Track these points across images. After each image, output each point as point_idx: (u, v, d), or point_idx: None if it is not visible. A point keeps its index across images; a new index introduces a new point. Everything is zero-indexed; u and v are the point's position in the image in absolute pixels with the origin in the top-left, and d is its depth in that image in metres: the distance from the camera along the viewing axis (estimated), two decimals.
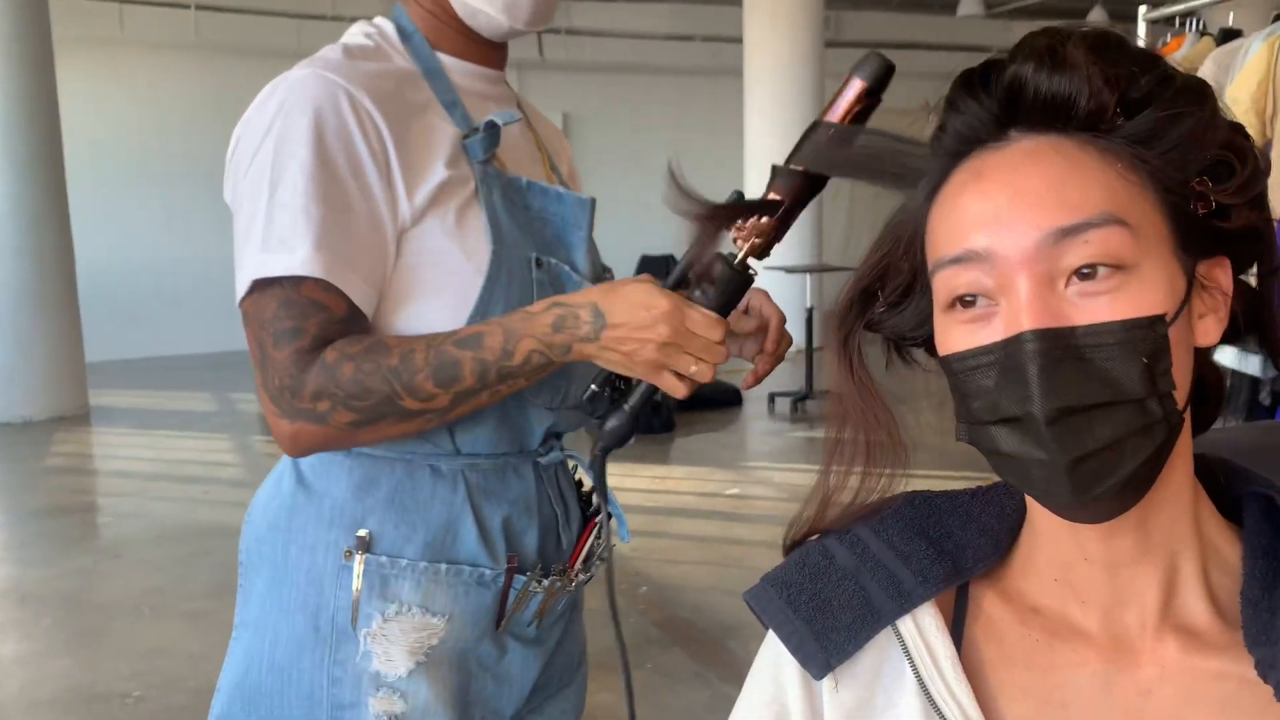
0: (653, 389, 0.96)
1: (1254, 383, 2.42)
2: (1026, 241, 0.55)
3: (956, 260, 0.57)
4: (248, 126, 0.97)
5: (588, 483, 1.17)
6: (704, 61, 10.80)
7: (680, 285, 0.94)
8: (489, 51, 1.09)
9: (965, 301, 0.58)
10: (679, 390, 0.94)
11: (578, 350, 0.94)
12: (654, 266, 10.11)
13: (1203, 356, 0.64)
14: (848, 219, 9.88)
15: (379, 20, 1.07)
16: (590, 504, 1.16)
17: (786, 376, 7.25)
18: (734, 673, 2.89)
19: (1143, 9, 2.96)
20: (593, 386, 0.97)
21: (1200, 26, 2.99)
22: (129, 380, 8.02)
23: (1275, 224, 0.62)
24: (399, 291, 0.99)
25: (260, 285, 0.94)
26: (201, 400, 7.25)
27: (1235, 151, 0.58)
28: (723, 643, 3.09)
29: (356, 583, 1.00)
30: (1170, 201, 0.57)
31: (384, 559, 1.01)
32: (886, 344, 0.69)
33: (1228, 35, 2.73)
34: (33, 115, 6.25)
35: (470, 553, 1.03)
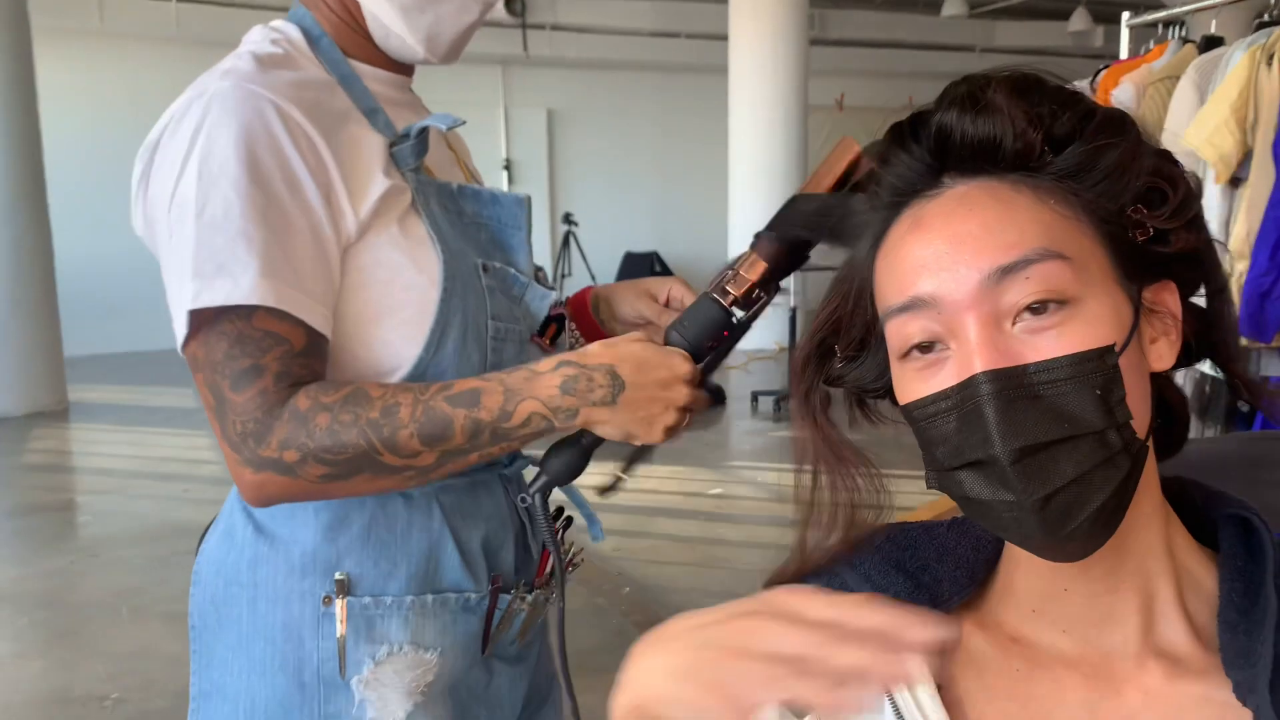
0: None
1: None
2: (969, 284, 0.56)
3: (903, 308, 0.59)
4: (161, 149, 0.89)
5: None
6: (689, 58, 10.79)
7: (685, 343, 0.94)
8: (399, 61, 1.03)
9: (921, 348, 0.59)
10: (661, 440, 0.92)
11: (585, 416, 0.89)
12: (638, 263, 10.10)
13: (1163, 379, 0.65)
14: None
15: (279, 24, 0.99)
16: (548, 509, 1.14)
17: (769, 376, 7.26)
18: None
19: (1126, 15, 2.98)
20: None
21: (1183, 33, 3.02)
22: (109, 375, 7.96)
23: (1215, 243, 0.63)
24: (352, 315, 0.92)
25: (205, 322, 0.86)
26: (183, 396, 7.17)
27: (1165, 178, 0.59)
28: None
29: (341, 628, 0.94)
30: (1108, 232, 0.58)
31: (367, 600, 0.95)
32: (849, 401, 0.70)
33: (1210, 43, 2.75)
34: (10, 106, 6.18)
35: (454, 579, 0.99)
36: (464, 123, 1.02)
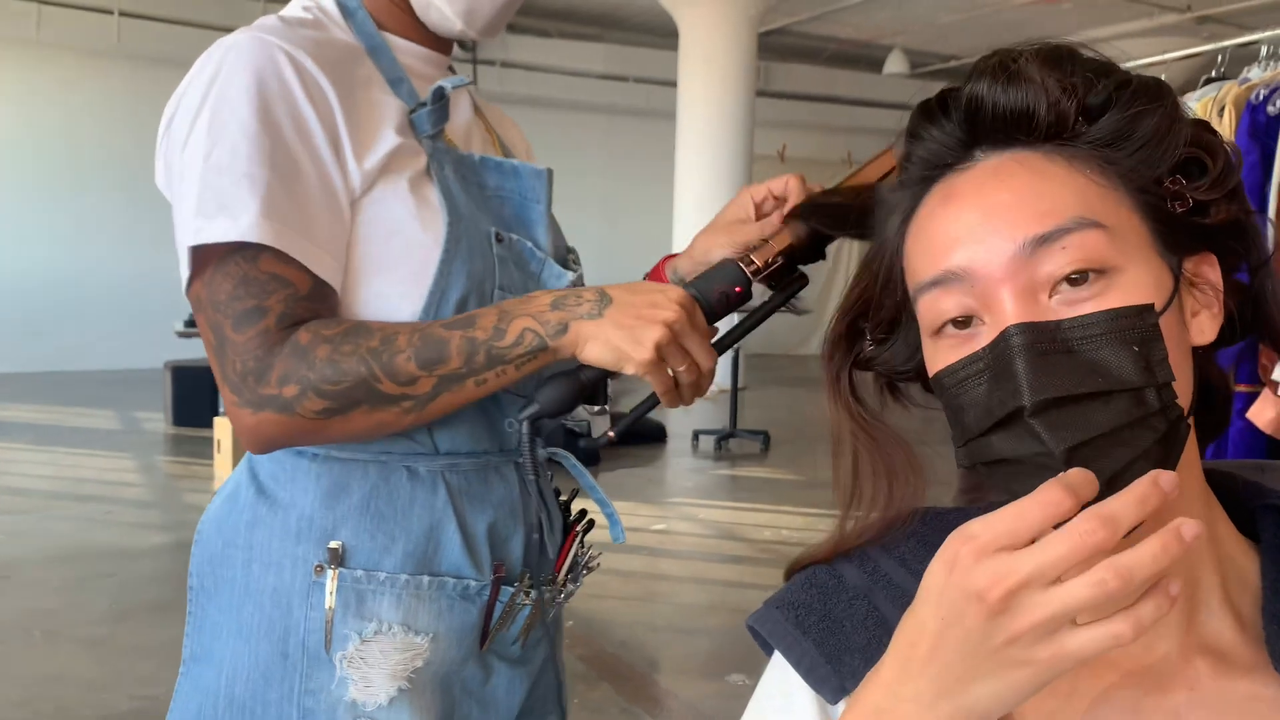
0: (605, 374, 0.90)
1: None
2: (1003, 256, 0.54)
3: (935, 283, 0.57)
4: (182, 101, 0.91)
5: (565, 491, 1.11)
6: (637, 103, 10.92)
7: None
8: (437, 37, 1.04)
9: (957, 323, 0.57)
10: (671, 394, 0.89)
11: (574, 331, 0.86)
12: None
13: (1206, 360, 0.64)
14: None
15: None
16: (570, 511, 1.10)
17: (710, 415, 7.28)
18: (661, 708, 2.84)
19: None
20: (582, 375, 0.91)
21: None
22: (27, 394, 7.64)
23: (1258, 217, 0.61)
24: (352, 268, 0.92)
25: (211, 262, 0.86)
26: (104, 418, 6.94)
27: (1205, 148, 0.57)
28: (649, 677, 3.04)
29: (329, 600, 0.91)
30: (1146, 201, 0.56)
31: (360, 573, 0.92)
32: (879, 385, 0.68)
33: None
34: None
35: (454, 563, 0.95)
36: (471, 82, 1.02)
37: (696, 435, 6.54)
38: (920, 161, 0.60)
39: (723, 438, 6.40)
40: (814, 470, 5.69)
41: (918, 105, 0.61)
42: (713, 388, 7.68)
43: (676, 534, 4.67)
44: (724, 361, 6.75)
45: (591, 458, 5.72)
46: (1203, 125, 0.59)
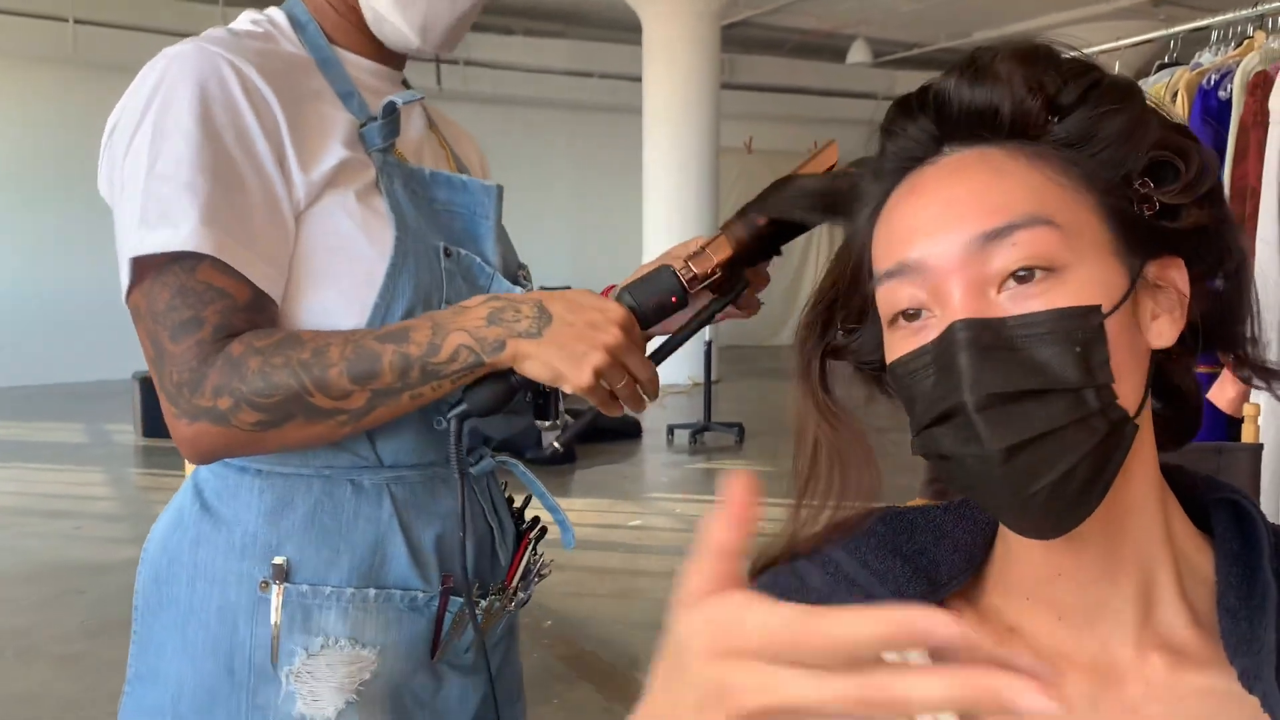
0: (534, 384, 0.89)
1: None
2: (954, 249, 0.55)
3: (891, 274, 0.58)
4: (125, 108, 0.90)
5: (518, 498, 1.11)
6: (603, 98, 10.89)
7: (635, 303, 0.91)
8: (390, 52, 1.04)
9: (907, 315, 0.58)
10: (608, 405, 0.89)
11: (512, 348, 0.86)
12: None
13: (1179, 366, 0.64)
14: None
15: (270, 10, 1.01)
16: (523, 519, 1.11)
17: (685, 409, 7.29)
18: None
19: None
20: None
21: None
22: None
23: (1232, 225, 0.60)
24: (296, 279, 0.92)
25: (150, 272, 0.86)
26: (73, 432, 6.85)
27: (1177, 151, 0.57)
28: (629, 675, 3.05)
29: (275, 615, 0.91)
30: (1109, 203, 0.56)
31: (305, 588, 0.92)
32: (860, 376, 0.68)
33: None
34: None
35: (401, 575, 0.95)
36: (422, 97, 1.01)
37: (671, 430, 6.54)
38: (893, 154, 0.61)
39: (697, 431, 6.41)
40: (789, 461, 5.74)
41: (894, 101, 0.62)
42: (686, 381, 7.63)
43: (653, 529, 4.68)
44: (697, 355, 6.79)
45: (568, 456, 5.72)
46: (1178, 129, 0.59)
